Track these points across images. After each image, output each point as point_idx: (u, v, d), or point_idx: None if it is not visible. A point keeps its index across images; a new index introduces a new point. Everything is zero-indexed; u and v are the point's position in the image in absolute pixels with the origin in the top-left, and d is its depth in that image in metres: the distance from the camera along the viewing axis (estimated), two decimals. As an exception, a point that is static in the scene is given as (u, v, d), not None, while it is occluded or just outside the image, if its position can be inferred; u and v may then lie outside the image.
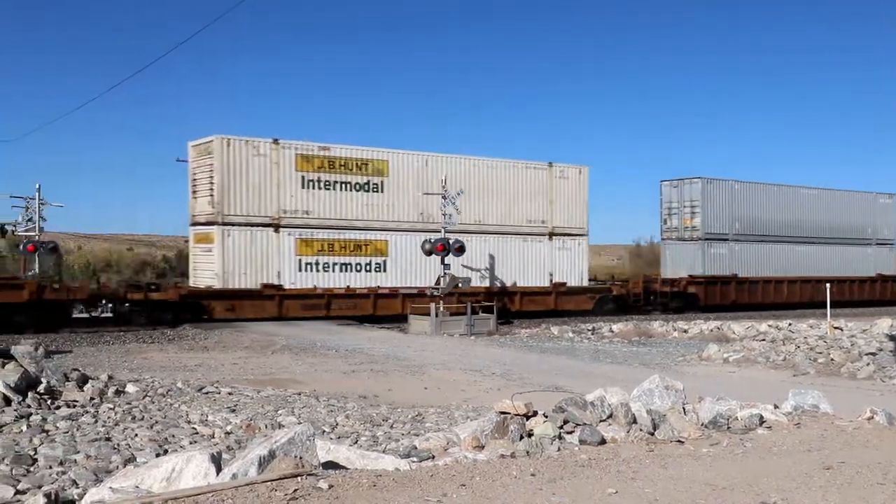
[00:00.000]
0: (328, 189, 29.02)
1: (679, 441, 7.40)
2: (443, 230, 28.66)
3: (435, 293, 28.15)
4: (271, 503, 5.18)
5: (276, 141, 28.24)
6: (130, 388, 12.51)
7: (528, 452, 6.89)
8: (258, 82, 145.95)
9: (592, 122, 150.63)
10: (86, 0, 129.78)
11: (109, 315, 26.82)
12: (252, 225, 27.62)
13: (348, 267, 29.31)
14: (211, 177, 27.55)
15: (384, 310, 29.49)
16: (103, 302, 26.68)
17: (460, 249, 28.81)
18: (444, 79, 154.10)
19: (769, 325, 26.34)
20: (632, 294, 36.43)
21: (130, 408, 11.26)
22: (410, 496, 5.50)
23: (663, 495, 5.75)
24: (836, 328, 23.50)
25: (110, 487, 5.54)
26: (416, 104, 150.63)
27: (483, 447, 7.25)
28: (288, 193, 28.19)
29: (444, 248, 28.25)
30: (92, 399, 11.52)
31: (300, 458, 5.86)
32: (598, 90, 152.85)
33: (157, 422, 10.55)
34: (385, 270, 29.96)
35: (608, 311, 34.65)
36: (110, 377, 13.19)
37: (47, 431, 9.66)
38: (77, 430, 9.83)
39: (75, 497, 6.25)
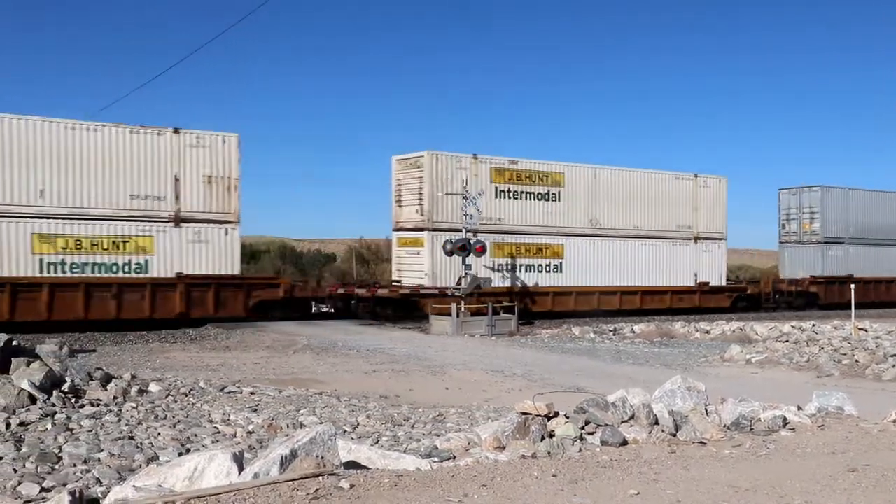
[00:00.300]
0: (516, 198, 32.01)
1: (701, 442, 7.36)
2: (464, 230, 28.83)
3: (456, 293, 28.29)
4: (293, 503, 5.20)
5: (475, 156, 31.26)
6: (153, 387, 12.59)
7: (549, 453, 6.88)
8: (263, 82, 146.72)
9: (594, 122, 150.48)
10: (97, 1, 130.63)
11: (331, 310, 30.53)
12: (455, 230, 29.92)
13: (531, 268, 32.31)
14: (420, 187, 30.42)
15: (560, 306, 32.65)
16: (330, 299, 30.46)
17: (482, 249, 29.01)
18: (446, 78, 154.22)
19: (792, 326, 26.13)
20: (763, 293, 39.57)
21: (153, 407, 11.34)
22: (431, 496, 5.50)
23: (685, 497, 5.72)
24: (860, 329, 23.29)
25: (133, 486, 5.58)
26: (417, 104, 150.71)
27: (504, 448, 7.25)
28: (484, 202, 30.74)
29: (464, 248, 28.36)
30: (115, 398, 11.61)
31: (322, 457, 5.87)
32: (598, 90, 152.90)
33: (179, 421, 10.61)
34: (561, 271, 33.00)
35: (742, 309, 37.55)
36: (133, 376, 13.29)
37: (72, 430, 9.75)
38: (101, 428, 9.92)
39: (99, 495, 6.29)
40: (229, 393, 12.88)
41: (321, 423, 10.10)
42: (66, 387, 11.49)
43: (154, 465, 7.45)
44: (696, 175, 37.04)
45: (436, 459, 6.94)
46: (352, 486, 5.50)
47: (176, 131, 25.84)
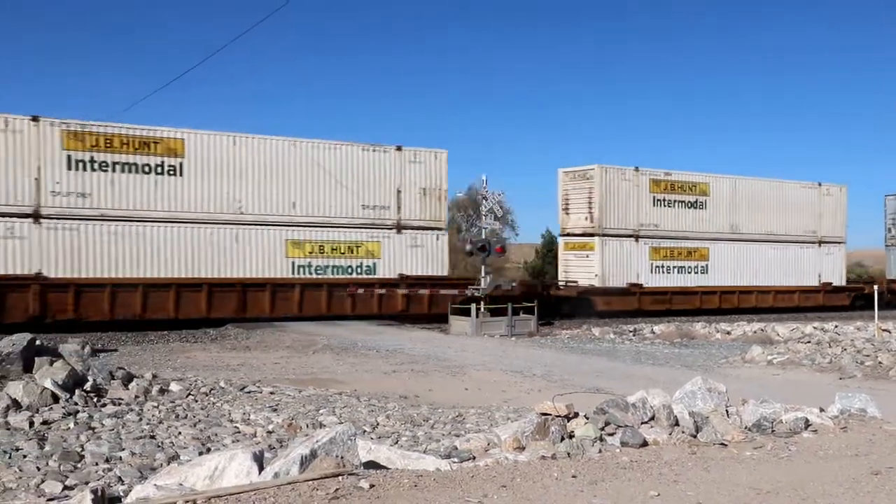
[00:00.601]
0: (670, 207, 35.91)
1: (722, 444, 7.33)
2: (483, 231, 28.89)
3: (476, 293, 28.28)
4: (313, 502, 5.22)
5: (636, 169, 35.09)
6: (174, 386, 12.66)
7: (568, 454, 6.86)
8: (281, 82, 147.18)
9: (636, 122, 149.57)
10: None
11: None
12: (620, 236, 34.39)
13: (682, 269, 36.31)
14: (589, 198, 34.27)
15: (707, 304, 36.26)
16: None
17: (501, 250, 29.16)
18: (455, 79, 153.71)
19: (814, 327, 25.94)
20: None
21: (174, 406, 11.40)
22: (451, 497, 5.50)
23: (706, 499, 5.69)
24: (884, 330, 23.10)
25: (155, 485, 5.61)
26: (429, 106, 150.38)
27: (524, 448, 7.24)
28: (643, 210, 35.04)
29: (484, 248, 28.40)
30: (137, 397, 11.69)
31: (341, 457, 5.89)
32: (600, 92, 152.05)
33: (199, 420, 10.67)
34: (707, 272, 36.86)
35: (860, 307, 40.07)
36: (154, 376, 13.37)
37: (94, 429, 9.83)
38: (122, 427, 9.99)
39: (121, 494, 6.34)
40: (249, 392, 12.93)
41: (341, 422, 10.12)
42: (88, 386, 11.59)
43: (175, 464, 7.50)
44: (819, 184, 40.42)
45: (455, 460, 6.95)
46: (371, 486, 5.51)
47: (398, 149, 29.67)
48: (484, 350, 21.67)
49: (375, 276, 29.30)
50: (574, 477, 6.10)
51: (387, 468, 6.28)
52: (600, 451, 6.93)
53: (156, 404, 11.38)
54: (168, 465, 7.70)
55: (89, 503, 5.36)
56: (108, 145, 25.28)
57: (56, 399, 10.79)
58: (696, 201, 36.48)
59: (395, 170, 29.56)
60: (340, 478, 5.58)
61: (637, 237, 34.71)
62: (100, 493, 5.49)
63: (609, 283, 33.83)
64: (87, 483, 7.22)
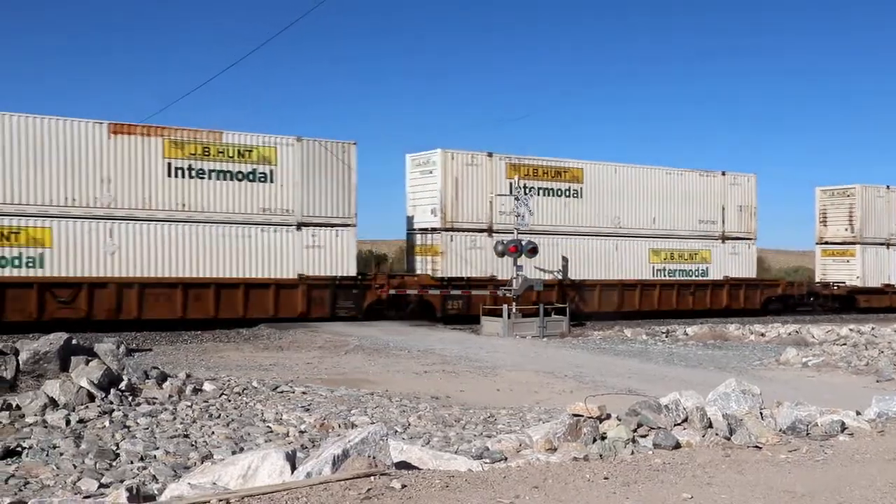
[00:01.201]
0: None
1: (756, 446, 7.26)
2: (515, 231, 28.83)
3: (507, 294, 28.21)
4: (345, 502, 5.23)
5: (888, 186, 40.74)
6: (207, 386, 12.76)
7: (601, 455, 6.84)
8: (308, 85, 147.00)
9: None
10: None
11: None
12: (875, 244, 39.95)
13: None
14: (850, 211, 39.96)
15: None
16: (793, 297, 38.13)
17: (533, 251, 29.03)
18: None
19: (850, 329, 25.59)
20: None
21: (207, 406, 11.49)
22: (483, 497, 5.50)
23: (740, 502, 5.64)
24: (921, 332, 22.71)
25: (189, 483, 5.66)
26: (461, 112, 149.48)
27: (556, 449, 7.22)
28: (893, 221, 40.46)
29: (516, 249, 28.31)
30: (171, 396, 11.81)
31: (373, 457, 5.90)
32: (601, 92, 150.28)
33: (233, 420, 10.75)
34: None
35: None
36: (188, 375, 13.48)
37: (129, 427, 9.94)
38: (156, 426, 10.09)
39: (155, 492, 6.41)
40: (282, 392, 13.00)
41: (373, 423, 10.15)
42: (123, 385, 11.72)
43: (209, 462, 7.56)
44: None
45: (487, 460, 6.95)
46: (403, 486, 5.52)
47: (723, 174, 35.79)
48: (515, 351, 21.63)
49: (708, 279, 35.17)
50: (606, 479, 6.07)
51: (418, 468, 6.29)
52: (633, 453, 6.89)
53: (189, 403, 11.48)
54: (202, 463, 7.77)
55: (124, 501, 5.43)
56: (535, 174, 31.72)
57: (92, 398, 10.93)
58: None
59: (720, 191, 35.69)
60: (372, 478, 5.60)
61: (888, 245, 40.36)
62: (135, 490, 5.55)
63: (867, 284, 39.48)
64: (122, 481, 7.30)
